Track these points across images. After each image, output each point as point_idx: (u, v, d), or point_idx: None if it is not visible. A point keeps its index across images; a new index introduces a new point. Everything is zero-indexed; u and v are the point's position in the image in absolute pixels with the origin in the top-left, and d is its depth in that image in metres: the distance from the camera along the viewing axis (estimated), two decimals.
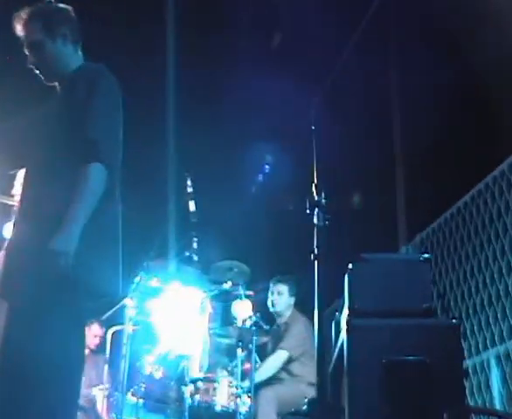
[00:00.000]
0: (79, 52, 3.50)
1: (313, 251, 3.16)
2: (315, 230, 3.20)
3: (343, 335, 3.14)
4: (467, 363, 5.91)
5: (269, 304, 6.72)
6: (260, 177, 6.14)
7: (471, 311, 6.15)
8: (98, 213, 3.14)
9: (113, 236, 3.35)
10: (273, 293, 6.71)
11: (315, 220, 3.20)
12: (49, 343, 3.02)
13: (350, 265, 3.25)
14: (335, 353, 3.59)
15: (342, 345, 3.27)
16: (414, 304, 3.21)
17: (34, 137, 3.42)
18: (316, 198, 3.23)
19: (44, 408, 3.00)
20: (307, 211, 3.24)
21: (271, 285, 6.75)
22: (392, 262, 3.44)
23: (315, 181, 3.30)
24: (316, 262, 3.14)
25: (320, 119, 3.54)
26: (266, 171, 6.10)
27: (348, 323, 3.10)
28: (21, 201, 3.32)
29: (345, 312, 3.27)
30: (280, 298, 6.69)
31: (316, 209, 3.22)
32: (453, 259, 6.54)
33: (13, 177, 3.51)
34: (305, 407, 4.18)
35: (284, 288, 6.70)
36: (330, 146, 3.63)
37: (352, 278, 3.26)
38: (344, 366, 3.13)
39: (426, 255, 3.35)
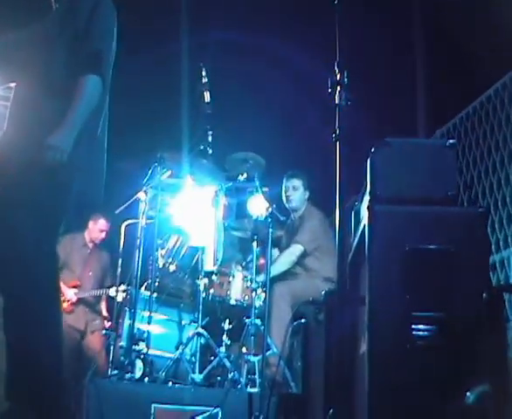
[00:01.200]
0: None
1: (334, 132, 3.00)
2: (337, 110, 3.02)
3: (364, 223, 3.00)
4: None
5: (284, 200, 6.61)
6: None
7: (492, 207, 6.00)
8: (91, 124, 3.39)
9: (102, 147, 3.57)
10: (287, 189, 6.61)
11: (337, 99, 3.02)
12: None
13: (373, 149, 3.09)
14: (355, 243, 3.46)
15: (362, 233, 3.14)
16: (439, 191, 3.06)
17: (30, 51, 3.50)
18: (338, 77, 3.05)
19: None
20: (329, 90, 3.06)
21: (284, 180, 6.64)
22: (417, 147, 3.27)
23: (338, 59, 3.10)
24: (338, 144, 2.98)
25: None
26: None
27: (369, 209, 2.95)
28: (15, 110, 3.46)
29: (366, 198, 3.12)
30: (296, 193, 6.58)
31: (338, 88, 3.04)
32: (474, 154, 6.37)
33: None
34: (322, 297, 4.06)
35: (298, 183, 6.59)
36: (352, 26, 3.40)
37: (374, 163, 3.09)
38: (364, 255, 3.00)
39: (452, 141, 3.17)
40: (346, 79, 3.08)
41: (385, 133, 3.18)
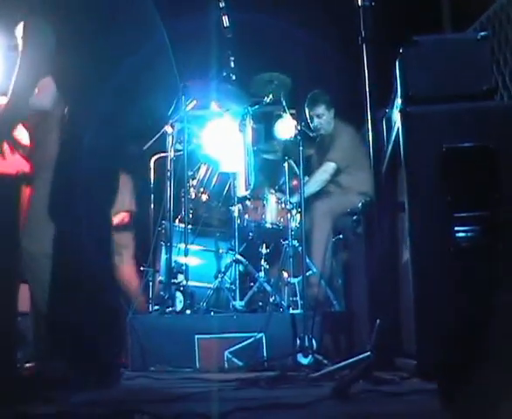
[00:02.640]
0: None
1: (360, 34, 2.87)
2: (361, 11, 2.89)
3: (398, 126, 2.89)
4: None
5: (313, 129, 6.48)
6: None
7: None
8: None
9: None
10: (312, 119, 6.47)
11: (360, 0, 2.89)
12: None
13: (401, 50, 2.95)
14: (389, 150, 3.35)
15: (396, 139, 3.02)
16: (474, 86, 2.92)
17: None
18: None
19: None
20: None
21: (307, 110, 6.49)
22: (447, 42, 3.11)
23: None
24: (364, 46, 2.85)
25: None
26: None
27: (402, 111, 2.82)
28: None
29: (398, 101, 3.00)
30: (322, 119, 6.45)
31: None
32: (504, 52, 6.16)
33: None
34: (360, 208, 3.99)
35: (321, 108, 6.46)
36: None
37: (404, 64, 2.95)
38: (400, 160, 2.89)
39: (483, 32, 3.02)
40: None
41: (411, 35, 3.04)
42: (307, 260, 5.33)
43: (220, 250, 6.07)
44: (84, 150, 3.00)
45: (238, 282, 5.67)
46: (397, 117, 2.94)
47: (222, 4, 5.92)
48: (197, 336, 4.82)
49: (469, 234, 2.70)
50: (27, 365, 3.06)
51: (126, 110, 3.18)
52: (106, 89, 3.04)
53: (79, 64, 3.05)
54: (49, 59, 3.00)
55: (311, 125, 6.46)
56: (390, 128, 3.36)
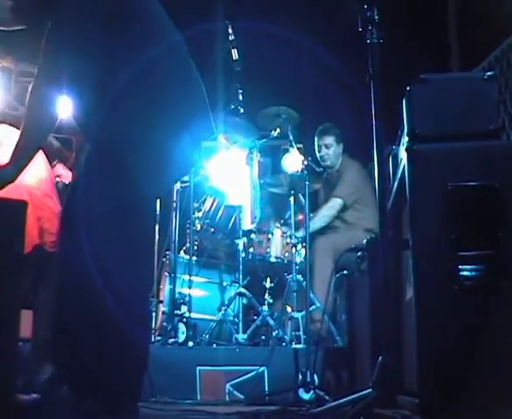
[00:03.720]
0: None
1: (368, 71, 2.88)
2: (369, 48, 2.91)
3: (404, 163, 2.90)
4: None
5: (318, 159, 6.50)
6: None
7: None
8: None
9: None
10: (320, 148, 6.50)
11: (368, 38, 2.91)
12: None
13: (408, 88, 2.97)
14: (395, 187, 3.36)
15: (402, 176, 3.04)
16: (480, 125, 2.93)
17: None
18: (369, 14, 2.93)
19: None
20: (359, 29, 2.94)
21: (316, 139, 6.52)
22: (454, 81, 3.13)
23: None
24: (372, 83, 2.87)
25: None
26: None
27: (408, 149, 2.84)
28: None
29: (404, 139, 3.01)
30: (330, 150, 6.48)
31: (369, 26, 2.92)
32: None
33: None
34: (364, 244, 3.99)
35: (330, 139, 6.48)
36: None
37: (411, 101, 2.97)
38: (405, 198, 2.90)
39: (490, 72, 3.04)
40: (377, 17, 2.95)
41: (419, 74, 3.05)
42: (311, 295, 5.32)
43: (224, 283, 6.07)
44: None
45: (241, 315, 5.64)
46: (403, 154, 2.95)
47: (231, 37, 5.98)
48: (198, 368, 4.80)
49: (473, 273, 2.70)
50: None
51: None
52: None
53: None
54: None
55: (318, 154, 6.48)
56: (396, 165, 3.37)
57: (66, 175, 4.44)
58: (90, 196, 2.81)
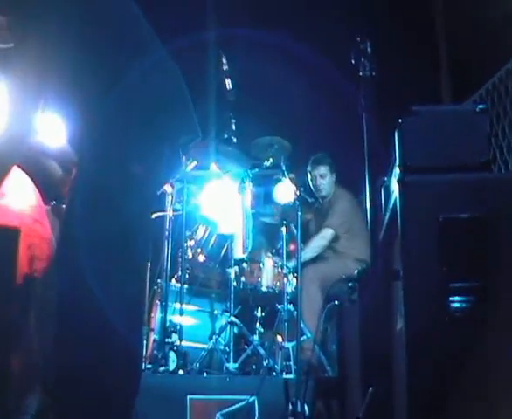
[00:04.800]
0: None
1: (360, 104, 2.91)
2: (361, 81, 2.94)
3: (395, 195, 2.92)
4: None
5: (312, 189, 6.53)
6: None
7: None
8: None
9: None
10: (314, 178, 6.53)
11: (361, 71, 2.94)
12: None
13: (400, 120, 3.00)
14: (386, 218, 3.38)
15: (393, 207, 3.06)
16: (471, 158, 2.96)
17: None
18: (361, 47, 2.96)
19: None
20: (352, 61, 2.98)
21: (309, 169, 6.56)
22: (446, 113, 3.17)
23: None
24: (364, 115, 2.89)
25: None
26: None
27: (400, 181, 2.86)
28: None
29: (396, 171, 3.04)
30: (324, 180, 6.51)
31: (362, 59, 2.96)
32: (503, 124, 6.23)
33: None
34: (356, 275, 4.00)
35: (325, 169, 6.52)
36: None
37: (403, 133, 3.00)
38: (397, 229, 2.92)
39: (482, 105, 3.07)
40: (369, 50, 2.99)
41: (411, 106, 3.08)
42: (302, 325, 5.32)
43: (215, 312, 6.06)
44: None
45: (232, 344, 5.63)
46: (395, 186, 2.97)
47: (225, 67, 6.01)
48: (189, 397, 4.77)
49: (464, 304, 2.72)
50: None
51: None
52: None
53: None
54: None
55: (312, 185, 6.51)
56: (388, 197, 3.39)
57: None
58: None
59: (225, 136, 6.12)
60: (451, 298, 2.71)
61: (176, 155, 3.10)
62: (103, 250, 2.75)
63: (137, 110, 2.87)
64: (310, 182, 6.52)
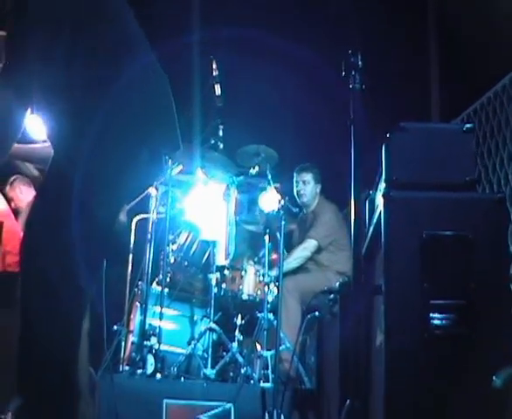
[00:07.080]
0: None
1: (349, 116, 2.92)
2: (351, 93, 2.94)
3: (380, 209, 2.93)
4: None
5: (296, 195, 6.56)
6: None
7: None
8: None
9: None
10: (298, 183, 6.56)
11: (351, 84, 2.95)
12: None
13: (388, 135, 3.01)
14: (370, 232, 3.39)
15: (377, 221, 3.06)
16: (456, 176, 2.98)
17: None
18: (353, 60, 2.97)
19: None
20: (343, 74, 2.98)
21: (295, 175, 6.61)
22: (433, 131, 3.18)
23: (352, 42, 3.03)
24: (352, 127, 2.90)
25: None
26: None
27: (385, 195, 2.87)
28: None
29: (382, 185, 3.05)
30: (307, 187, 6.54)
31: (353, 72, 2.96)
32: (489, 145, 6.27)
33: None
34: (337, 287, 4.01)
35: (309, 176, 6.55)
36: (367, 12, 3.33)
37: (390, 148, 3.01)
38: (380, 243, 2.92)
39: (469, 125, 3.09)
40: (360, 63, 3.00)
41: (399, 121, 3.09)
42: (281, 335, 5.32)
43: (195, 317, 6.05)
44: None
45: (210, 350, 5.62)
46: (380, 200, 2.98)
47: (215, 73, 6.02)
48: (165, 401, 4.75)
49: (444, 322, 2.72)
50: None
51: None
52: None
53: None
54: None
55: (295, 190, 6.53)
56: (372, 210, 3.40)
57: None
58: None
59: (212, 142, 6.12)
60: (431, 315, 2.72)
61: (155, 162, 3.09)
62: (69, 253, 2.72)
63: (119, 115, 2.86)
64: (294, 188, 6.55)
